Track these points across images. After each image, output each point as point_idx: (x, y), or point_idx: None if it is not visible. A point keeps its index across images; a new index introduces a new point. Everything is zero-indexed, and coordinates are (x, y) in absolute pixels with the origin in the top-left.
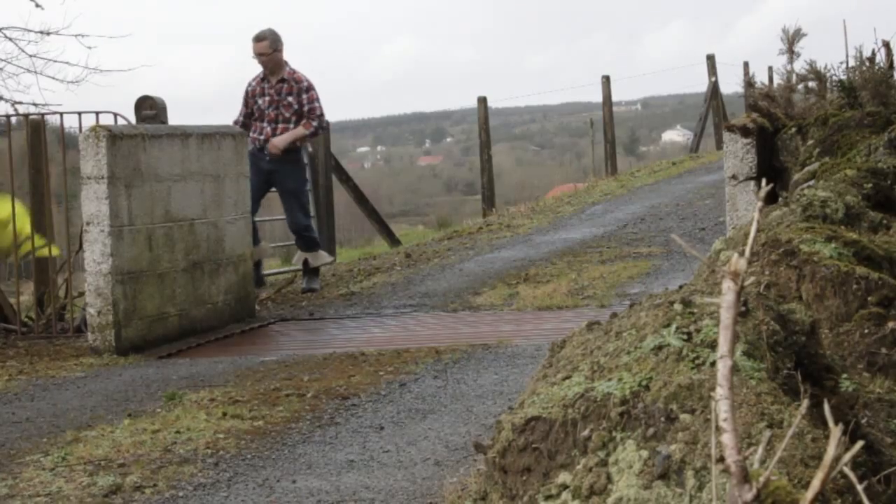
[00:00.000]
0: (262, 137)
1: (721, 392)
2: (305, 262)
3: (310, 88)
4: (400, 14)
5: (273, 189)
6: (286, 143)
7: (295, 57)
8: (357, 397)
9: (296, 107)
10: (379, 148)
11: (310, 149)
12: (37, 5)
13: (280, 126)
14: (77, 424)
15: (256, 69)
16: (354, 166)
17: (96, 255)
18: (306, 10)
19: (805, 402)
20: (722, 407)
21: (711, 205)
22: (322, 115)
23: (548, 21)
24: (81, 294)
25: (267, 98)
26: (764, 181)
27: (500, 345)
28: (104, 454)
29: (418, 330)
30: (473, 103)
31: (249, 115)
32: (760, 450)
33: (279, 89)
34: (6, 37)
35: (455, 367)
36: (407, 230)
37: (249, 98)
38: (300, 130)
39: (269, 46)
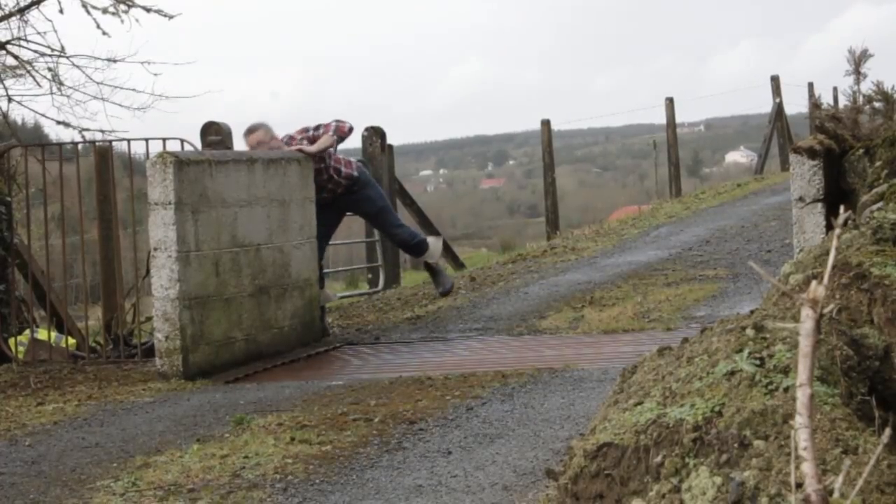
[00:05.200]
0: (325, 194)
1: (800, 421)
2: (427, 266)
3: (318, 128)
4: (469, 36)
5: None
6: (312, 151)
7: (364, 82)
8: (424, 422)
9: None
10: (441, 171)
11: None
12: (104, 33)
13: (331, 174)
14: (146, 449)
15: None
16: (417, 189)
17: (164, 280)
18: (373, 35)
19: (887, 432)
20: (801, 435)
21: (777, 227)
22: (337, 124)
23: (616, 42)
24: (149, 319)
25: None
26: (842, 209)
27: (566, 368)
28: (174, 479)
29: (484, 354)
30: (535, 126)
31: None
32: (840, 479)
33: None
34: (74, 64)
35: (521, 391)
36: (470, 253)
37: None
38: (325, 141)
39: (265, 135)
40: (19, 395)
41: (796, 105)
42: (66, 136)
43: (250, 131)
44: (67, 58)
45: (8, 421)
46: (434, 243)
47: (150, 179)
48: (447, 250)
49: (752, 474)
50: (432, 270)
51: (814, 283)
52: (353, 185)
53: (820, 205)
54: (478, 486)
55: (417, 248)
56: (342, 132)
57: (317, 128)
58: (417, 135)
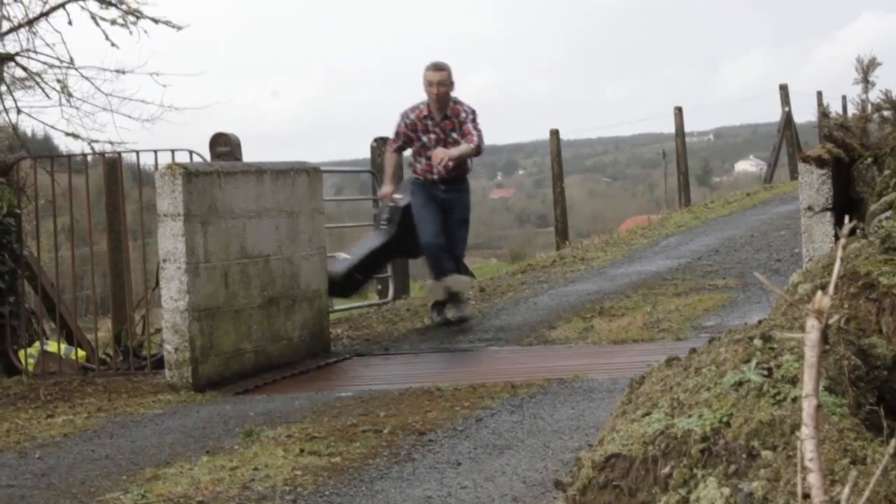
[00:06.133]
0: (434, 176)
1: (807, 431)
2: (441, 302)
3: (466, 120)
4: (480, 46)
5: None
6: (454, 156)
7: (374, 93)
8: (434, 433)
9: (462, 142)
10: None
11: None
12: (112, 44)
13: (450, 163)
14: (156, 461)
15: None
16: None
17: (173, 292)
18: (384, 45)
19: (893, 442)
20: (808, 446)
21: (786, 236)
22: (480, 133)
23: (626, 52)
24: (158, 331)
25: (433, 136)
26: (847, 218)
27: (575, 379)
28: (183, 491)
29: (494, 364)
30: (545, 135)
31: (406, 147)
32: (847, 490)
33: (444, 127)
34: (83, 76)
35: (531, 401)
36: (480, 263)
37: (410, 131)
38: (466, 147)
39: (448, 77)
40: (29, 407)
41: (805, 114)
42: (75, 147)
43: (438, 68)
44: (76, 69)
45: (18, 433)
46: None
47: (159, 191)
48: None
49: (761, 485)
50: (453, 297)
51: (819, 293)
52: (461, 181)
53: (829, 214)
54: (487, 498)
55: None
56: (478, 152)
57: (473, 118)
58: None
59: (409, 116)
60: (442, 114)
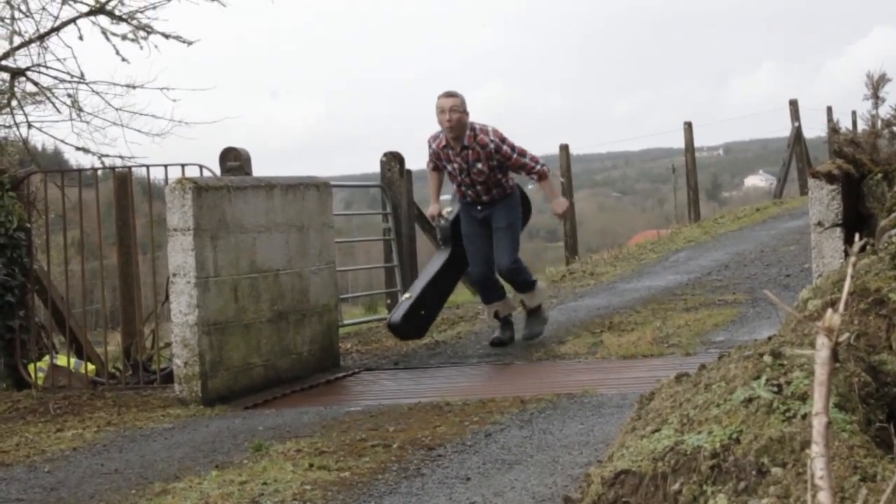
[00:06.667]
0: (468, 200)
1: (817, 449)
2: (523, 304)
3: (498, 148)
4: (491, 61)
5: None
6: (561, 199)
7: (385, 107)
8: (443, 447)
9: (486, 171)
10: None
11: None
12: (123, 59)
13: (480, 188)
14: (165, 476)
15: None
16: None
17: (182, 306)
18: (395, 59)
19: None
20: (818, 464)
21: (796, 251)
22: (533, 159)
23: (636, 67)
24: (168, 345)
25: (455, 166)
26: (857, 235)
27: (585, 394)
28: None
29: (503, 379)
30: (555, 150)
31: (440, 167)
32: None
33: (465, 157)
34: (93, 91)
35: (540, 416)
36: None
37: (437, 160)
38: (548, 182)
39: (462, 104)
40: (39, 421)
41: (815, 129)
42: (85, 162)
43: (450, 95)
44: (87, 84)
45: (27, 447)
46: (543, 289)
47: (169, 205)
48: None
49: (770, 502)
50: (530, 311)
51: (829, 310)
52: (507, 195)
53: (839, 229)
54: None
55: (524, 283)
56: (544, 175)
57: (512, 148)
58: None
59: (432, 146)
60: (461, 143)
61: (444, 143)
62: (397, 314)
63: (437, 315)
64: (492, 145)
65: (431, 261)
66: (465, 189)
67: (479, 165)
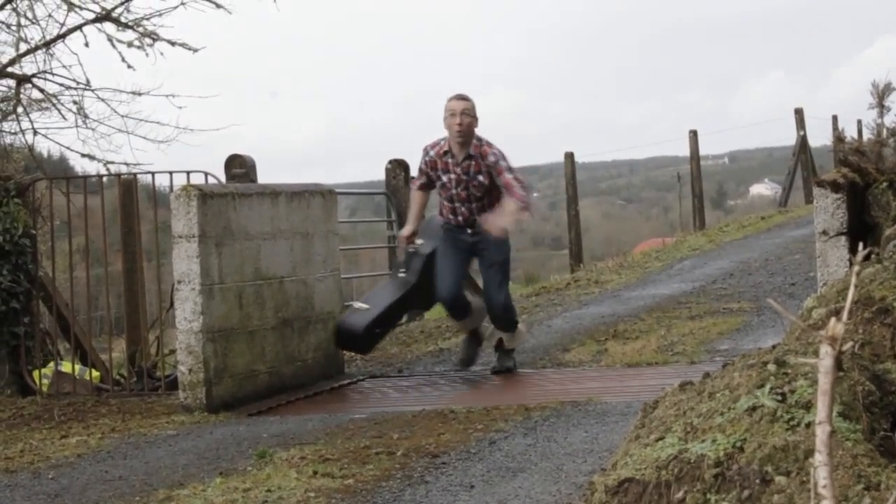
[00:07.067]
0: (459, 218)
1: (820, 458)
2: (500, 342)
3: (501, 168)
4: (496, 68)
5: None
6: (510, 224)
7: (389, 115)
8: (447, 455)
9: (487, 185)
10: None
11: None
12: (129, 66)
13: (475, 205)
14: (169, 483)
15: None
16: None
17: (187, 313)
18: (399, 67)
19: None
20: (821, 473)
21: (801, 259)
22: (523, 188)
23: (641, 75)
24: (173, 352)
25: (453, 176)
26: (861, 245)
27: (589, 402)
28: None
29: (507, 387)
30: (560, 158)
31: (429, 185)
32: None
33: (466, 168)
34: (99, 97)
35: (544, 424)
36: None
37: (430, 170)
38: (514, 208)
39: (473, 109)
40: (43, 427)
41: (820, 138)
42: (90, 168)
43: (462, 98)
44: (93, 91)
45: (32, 454)
46: (524, 332)
47: (174, 212)
48: (470, 283)
49: None
50: (503, 349)
51: (833, 320)
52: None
53: (844, 238)
54: None
55: (509, 322)
56: (526, 206)
57: (509, 166)
58: None
59: (430, 153)
60: (465, 152)
61: (445, 149)
62: (358, 321)
63: (383, 338)
64: (491, 158)
65: (389, 284)
66: (458, 206)
67: (481, 178)
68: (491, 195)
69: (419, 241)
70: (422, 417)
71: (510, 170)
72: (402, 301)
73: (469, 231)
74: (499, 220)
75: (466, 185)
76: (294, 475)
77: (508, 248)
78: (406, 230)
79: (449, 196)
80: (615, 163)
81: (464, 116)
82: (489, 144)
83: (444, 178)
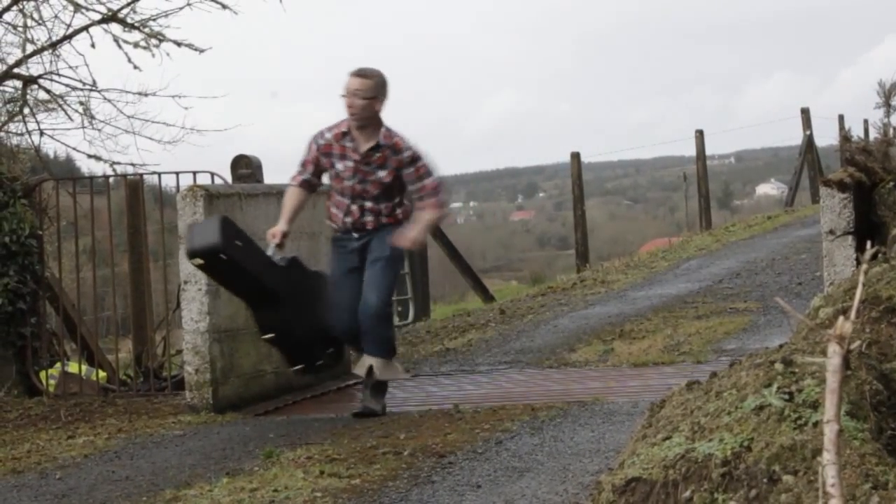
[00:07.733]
0: (348, 220)
1: (828, 457)
2: (370, 372)
3: (416, 159)
4: (504, 68)
5: None
6: (422, 237)
7: (396, 115)
8: (454, 455)
9: (387, 184)
10: (471, 203)
11: None
12: (135, 67)
13: (368, 205)
14: (176, 483)
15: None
16: (447, 221)
17: (194, 313)
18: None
19: None
20: (829, 472)
21: (807, 259)
22: (440, 184)
23: (648, 75)
24: (179, 352)
25: (350, 164)
26: (868, 243)
27: (595, 402)
28: None
29: (513, 387)
30: (566, 158)
31: (315, 182)
32: None
33: (368, 159)
34: (105, 98)
35: (551, 424)
36: (500, 285)
37: (321, 155)
38: (431, 219)
39: (372, 89)
40: (50, 428)
41: (827, 137)
42: (97, 169)
43: (360, 74)
44: (99, 92)
45: (38, 454)
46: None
47: (181, 213)
48: (477, 283)
49: None
50: (373, 382)
51: (841, 318)
52: (393, 224)
53: (850, 237)
54: None
55: (383, 340)
56: (443, 214)
57: (428, 168)
58: (448, 167)
59: (325, 136)
60: (371, 141)
61: (344, 130)
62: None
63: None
64: (407, 154)
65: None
66: (349, 203)
67: (382, 174)
68: (389, 197)
69: (279, 256)
70: (428, 417)
71: (431, 173)
72: (257, 277)
73: (356, 235)
74: (411, 233)
75: (363, 177)
76: (301, 475)
77: (401, 248)
78: (278, 227)
79: (341, 189)
80: (621, 163)
81: (355, 97)
82: (400, 136)
83: (340, 166)
